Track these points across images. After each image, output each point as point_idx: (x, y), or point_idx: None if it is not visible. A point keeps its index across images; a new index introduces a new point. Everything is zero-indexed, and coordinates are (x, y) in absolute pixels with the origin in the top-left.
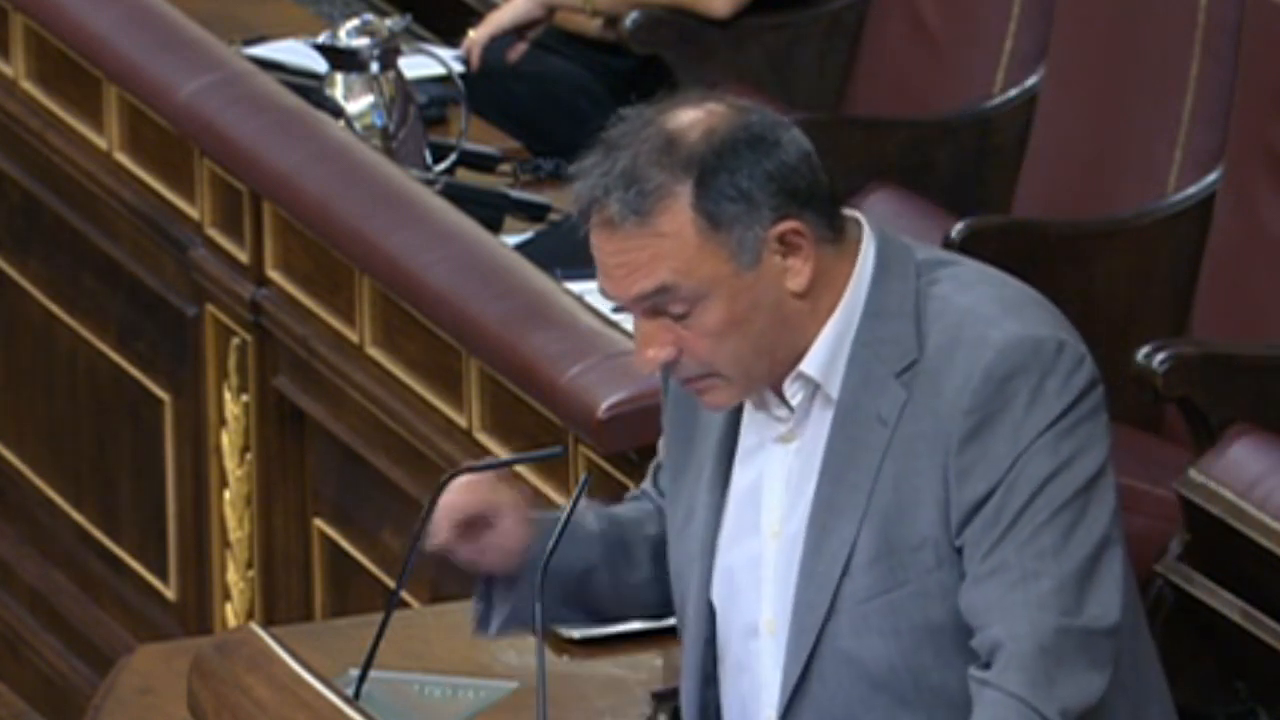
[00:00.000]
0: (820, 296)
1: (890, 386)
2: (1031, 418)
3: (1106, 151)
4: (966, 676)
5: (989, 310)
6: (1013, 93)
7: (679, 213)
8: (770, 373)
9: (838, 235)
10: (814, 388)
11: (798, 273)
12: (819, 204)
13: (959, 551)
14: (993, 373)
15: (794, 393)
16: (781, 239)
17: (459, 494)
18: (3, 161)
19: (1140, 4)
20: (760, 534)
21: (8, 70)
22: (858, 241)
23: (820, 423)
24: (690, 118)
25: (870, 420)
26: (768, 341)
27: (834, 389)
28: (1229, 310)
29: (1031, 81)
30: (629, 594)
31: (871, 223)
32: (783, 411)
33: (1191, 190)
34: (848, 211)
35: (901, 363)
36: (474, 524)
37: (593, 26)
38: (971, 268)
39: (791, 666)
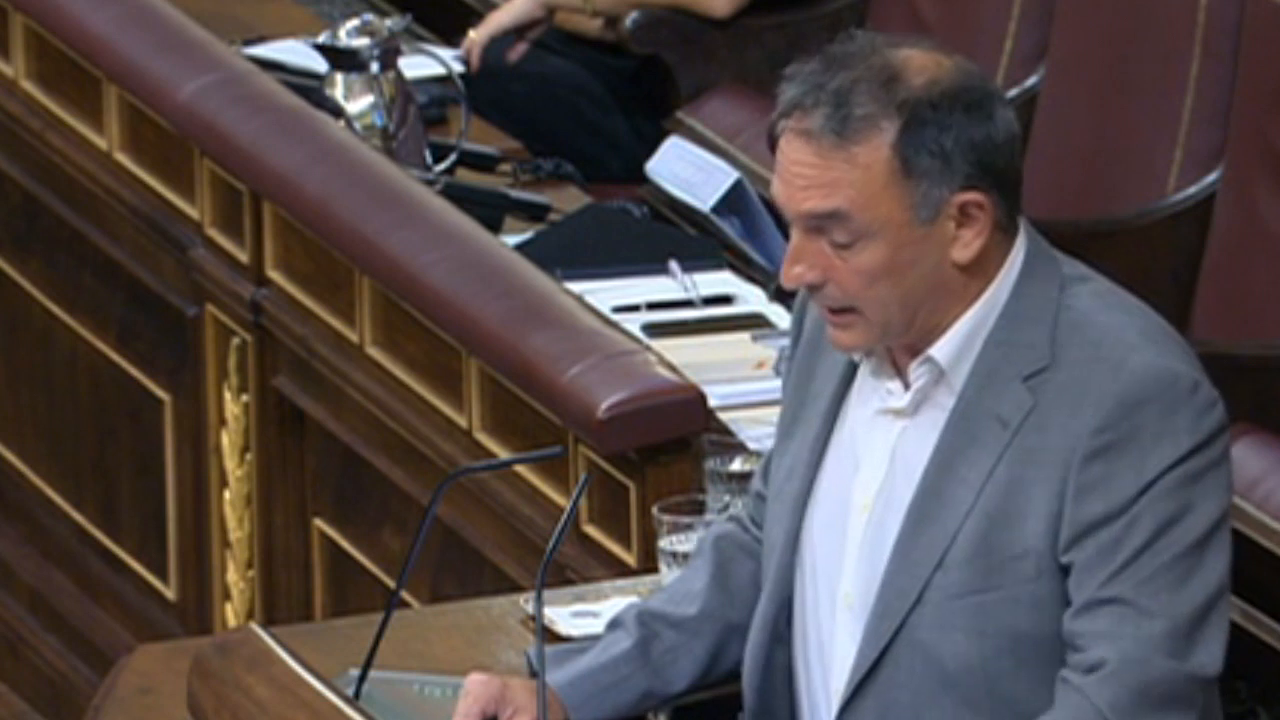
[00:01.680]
0: (975, 277)
1: (1016, 389)
2: (1158, 450)
3: (1106, 151)
4: (1039, 689)
5: (1130, 336)
6: (1013, 92)
7: (878, 148)
8: (904, 331)
9: (1012, 228)
10: (939, 373)
11: (966, 245)
12: (1007, 189)
13: (1064, 569)
14: (1126, 398)
15: (918, 375)
16: (963, 208)
17: (479, 690)
18: (3, 161)
19: (1140, 4)
20: (850, 504)
21: (8, 70)
22: (1013, 240)
23: (937, 408)
24: (919, 62)
25: (990, 419)
26: (915, 300)
27: (958, 380)
28: (1229, 310)
29: (1031, 81)
30: (675, 694)
31: (1025, 226)
32: (896, 385)
33: (1191, 190)
34: None
35: (1031, 368)
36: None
37: (593, 26)
38: (1114, 290)
39: (868, 648)
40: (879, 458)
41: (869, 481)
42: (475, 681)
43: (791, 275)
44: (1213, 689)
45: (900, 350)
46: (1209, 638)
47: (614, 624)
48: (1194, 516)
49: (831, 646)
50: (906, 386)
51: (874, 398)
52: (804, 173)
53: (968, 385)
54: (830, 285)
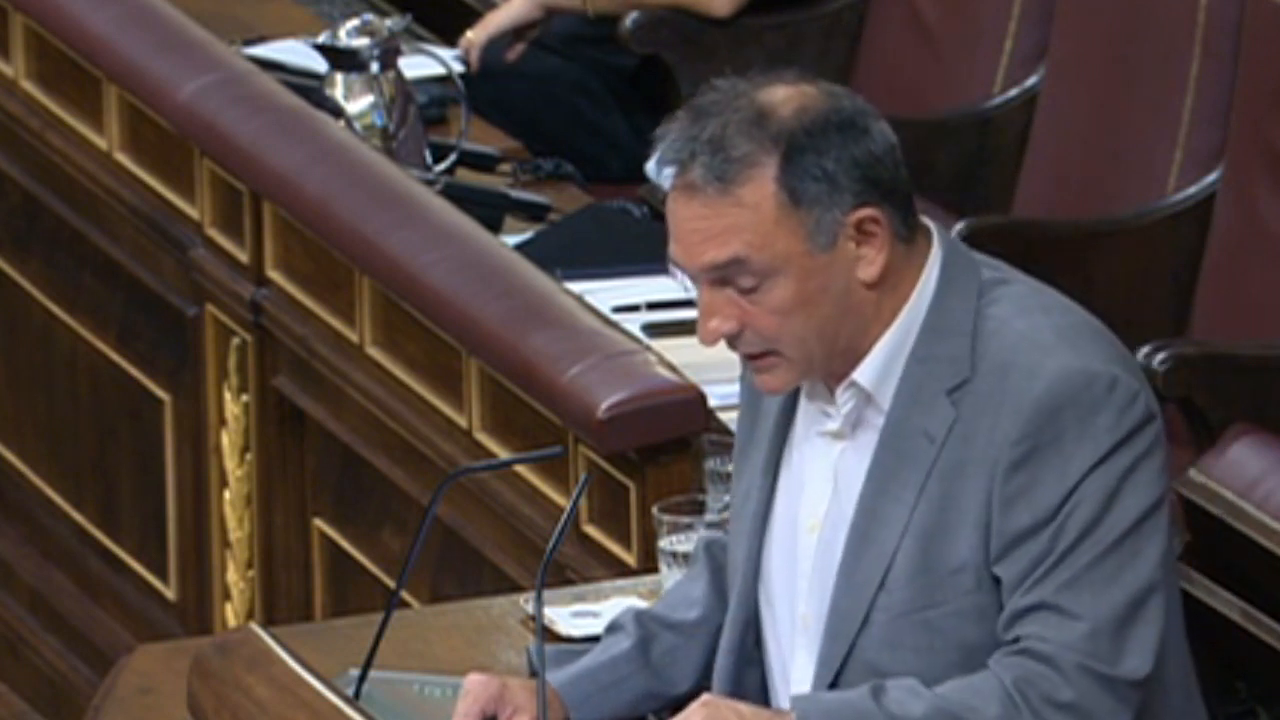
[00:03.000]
0: (887, 294)
1: (940, 404)
2: (1079, 453)
3: (1106, 151)
4: None
5: (1045, 338)
6: (1013, 93)
7: (762, 185)
8: (828, 360)
9: (911, 235)
10: (865, 396)
11: (870, 262)
12: (898, 199)
13: (996, 580)
14: (1042, 404)
15: (845, 400)
16: (859, 226)
17: (478, 689)
18: (3, 161)
19: (1140, 4)
20: (798, 526)
21: (8, 70)
22: (926, 251)
23: (870, 427)
24: (783, 94)
25: (918, 436)
26: (832, 327)
27: (885, 400)
28: (1229, 310)
29: (1031, 81)
30: (673, 697)
31: (941, 235)
32: (831, 408)
33: (1191, 190)
34: (922, 220)
35: (953, 381)
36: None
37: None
38: (1033, 289)
39: (823, 670)
40: (822, 479)
41: (815, 503)
42: (474, 681)
43: (708, 331)
44: (1190, 683)
45: (828, 376)
46: (1138, 637)
47: (613, 627)
48: (1119, 513)
49: (793, 667)
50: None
51: (814, 420)
52: (696, 226)
53: (895, 404)
54: (748, 331)
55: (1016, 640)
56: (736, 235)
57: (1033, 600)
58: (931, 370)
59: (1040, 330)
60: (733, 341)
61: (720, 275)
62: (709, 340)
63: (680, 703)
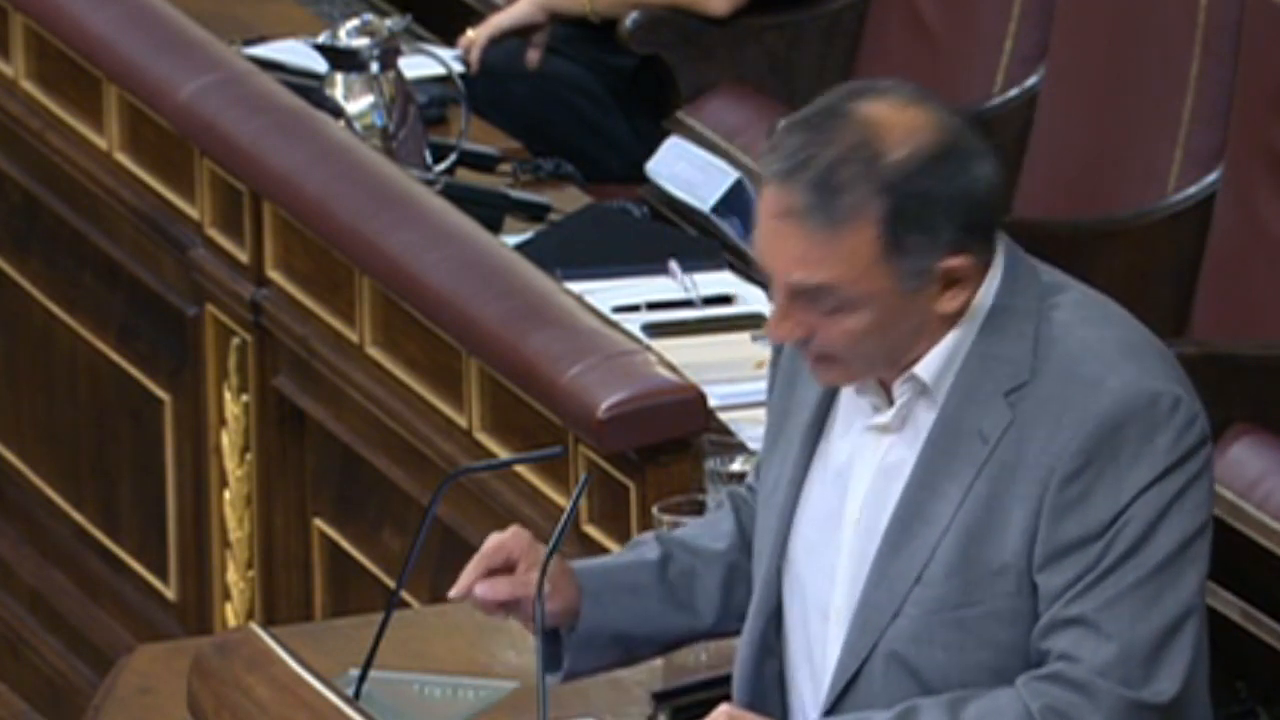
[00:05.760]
0: (957, 316)
1: (997, 404)
2: (1135, 472)
3: (1106, 151)
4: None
5: (1110, 352)
6: (1013, 93)
7: (864, 229)
8: (887, 371)
9: (990, 258)
10: (922, 388)
11: (953, 299)
12: (987, 235)
13: (1035, 586)
14: (1106, 419)
15: (902, 392)
16: (948, 272)
17: (510, 539)
18: (3, 161)
19: (1140, 4)
20: (842, 519)
21: (8, 70)
22: (992, 253)
23: (921, 423)
24: (899, 131)
25: (971, 435)
26: (901, 348)
27: (940, 394)
28: (1229, 310)
29: (1031, 81)
30: (687, 627)
31: (1002, 236)
32: (881, 402)
33: (1191, 190)
34: None
35: (1012, 383)
36: (498, 569)
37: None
38: (1093, 298)
39: (848, 661)
40: (867, 473)
41: (857, 496)
42: (502, 535)
43: (778, 334)
44: (1204, 694)
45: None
46: (1170, 662)
47: (636, 542)
48: (1166, 535)
49: (823, 659)
50: (890, 402)
51: (859, 414)
52: (790, 248)
53: (949, 400)
54: (816, 341)
55: (1048, 655)
56: (830, 268)
57: (1071, 614)
58: (990, 369)
59: (1105, 342)
60: (798, 343)
61: (803, 292)
62: (778, 339)
63: (687, 640)
